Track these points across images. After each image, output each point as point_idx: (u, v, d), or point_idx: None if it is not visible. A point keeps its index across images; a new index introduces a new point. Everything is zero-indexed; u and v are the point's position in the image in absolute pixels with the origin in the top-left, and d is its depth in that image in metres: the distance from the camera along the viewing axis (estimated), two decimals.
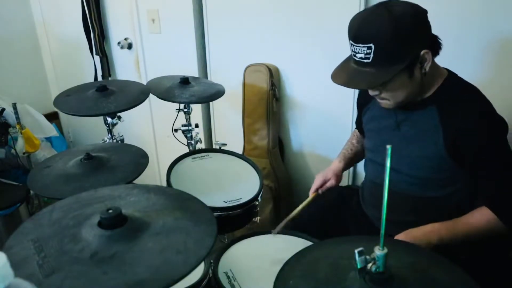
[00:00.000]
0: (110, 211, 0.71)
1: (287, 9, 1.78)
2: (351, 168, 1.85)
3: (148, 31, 2.24)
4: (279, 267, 0.75)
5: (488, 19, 1.38)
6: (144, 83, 1.77)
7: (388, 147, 0.61)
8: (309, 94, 1.89)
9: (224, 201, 1.27)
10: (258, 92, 1.91)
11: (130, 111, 1.44)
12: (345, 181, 1.87)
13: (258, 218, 1.39)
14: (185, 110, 1.75)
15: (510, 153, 1.08)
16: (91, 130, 2.87)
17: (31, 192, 2.01)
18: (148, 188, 0.87)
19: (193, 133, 1.80)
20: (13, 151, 2.26)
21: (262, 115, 1.93)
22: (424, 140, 1.13)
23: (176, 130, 1.79)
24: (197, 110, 2.17)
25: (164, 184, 1.37)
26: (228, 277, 1.08)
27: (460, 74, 1.15)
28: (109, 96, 1.45)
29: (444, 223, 1.10)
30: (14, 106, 2.12)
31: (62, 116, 3.06)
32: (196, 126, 1.80)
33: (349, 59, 1.10)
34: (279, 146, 2.04)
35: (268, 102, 1.90)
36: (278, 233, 1.26)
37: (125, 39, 2.40)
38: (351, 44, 1.05)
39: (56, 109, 1.47)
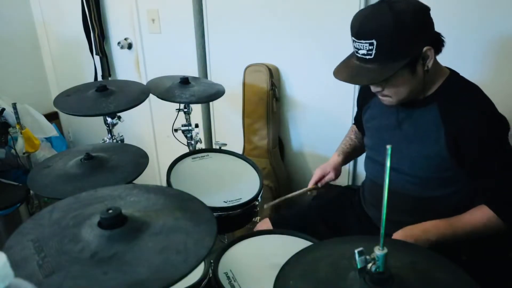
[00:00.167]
0: (110, 211, 0.71)
1: (287, 9, 1.78)
2: (351, 168, 1.85)
3: (148, 31, 2.24)
4: (279, 267, 0.75)
5: (488, 18, 1.38)
6: (144, 83, 1.77)
7: (388, 147, 0.61)
8: (309, 94, 1.89)
9: (224, 201, 1.27)
10: (258, 92, 1.91)
11: (130, 111, 1.44)
12: (345, 181, 1.87)
13: (258, 218, 1.39)
14: (185, 110, 1.75)
15: (510, 152, 1.08)
16: (91, 130, 2.87)
17: (31, 192, 2.01)
18: (148, 188, 0.87)
19: (193, 133, 1.79)
20: (13, 151, 2.26)
21: (262, 115, 1.93)
22: (425, 139, 1.12)
23: (176, 130, 1.79)
24: (197, 110, 2.17)
25: (164, 184, 1.37)
26: (228, 277, 1.08)
27: (461, 73, 1.15)
28: (109, 96, 1.45)
29: (443, 220, 1.10)
30: (14, 106, 2.12)
31: (62, 116, 3.06)
32: (196, 126, 1.80)
33: (352, 56, 1.10)
34: (279, 146, 2.04)
35: (268, 102, 1.90)
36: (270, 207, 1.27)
37: (125, 39, 2.40)
38: (354, 40, 1.05)
39: (56, 109, 1.47)
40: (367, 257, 0.66)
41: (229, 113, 2.13)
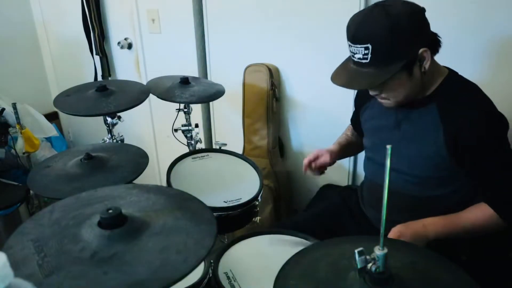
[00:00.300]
0: (110, 211, 0.71)
1: (287, 9, 1.78)
2: (351, 168, 1.85)
3: (148, 31, 2.24)
4: (279, 267, 0.75)
5: (488, 18, 1.38)
6: (144, 83, 1.77)
7: (388, 147, 0.61)
8: (309, 94, 1.89)
9: (224, 201, 1.27)
10: (258, 92, 1.91)
11: (130, 111, 1.44)
12: (345, 181, 1.87)
13: (258, 218, 1.39)
14: (185, 110, 1.75)
15: (510, 151, 1.08)
16: (91, 130, 2.87)
17: (31, 192, 2.01)
18: (148, 188, 0.87)
19: (193, 133, 1.79)
20: (13, 151, 2.26)
21: (262, 115, 1.93)
22: (424, 139, 1.13)
23: (176, 130, 1.79)
24: (197, 110, 2.17)
25: (164, 184, 1.37)
26: (228, 277, 1.08)
27: (460, 73, 1.15)
28: (109, 96, 1.45)
29: (443, 217, 1.11)
30: (14, 106, 2.12)
31: (62, 116, 3.06)
32: (196, 126, 1.80)
33: (348, 60, 1.10)
34: (279, 146, 2.04)
35: (268, 102, 1.90)
36: None
37: (125, 39, 2.40)
38: (349, 45, 1.05)
39: (56, 109, 1.47)
40: (367, 257, 0.66)
41: (229, 113, 2.13)
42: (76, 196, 0.85)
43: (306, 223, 1.37)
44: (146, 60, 2.33)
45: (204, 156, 1.52)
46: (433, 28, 1.07)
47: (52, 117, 2.86)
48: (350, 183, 1.88)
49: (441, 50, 1.10)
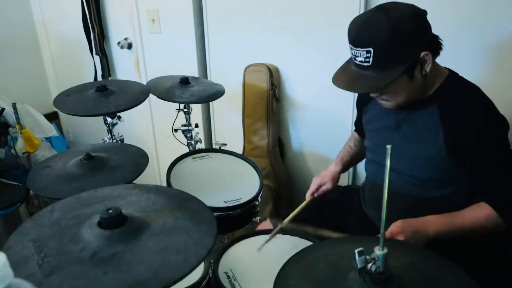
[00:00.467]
0: (110, 211, 0.71)
1: (287, 9, 1.78)
2: (351, 169, 1.85)
3: (148, 31, 2.24)
4: (279, 267, 0.75)
5: (488, 18, 1.38)
6: (144, 83, 1.77)
7: (388, 147, 0.61)
8: (309, 94, 1.89)
9: (224, 201, 1.27)
10: (258, 92, 1.91)
11: (130, 111, 1.44)
12: (345, 181, 1.87)
13: (258, 218, 1.39)
14: (185, 110, 1.75)
15: (510, 151, 1.08)
16: (91, 130, 2.87)
17: (31, 192, 2.01)
18: (148, 188, 0.87)
19: (193, 133, 1.79)
20: (13, 151, 2.26)
21: (262, 115, 1.93)
22: (424, 140, 1.13)
23: (176, 130, 1.79)
24: (197, 110, 2.17)
25: (164, 184, 1.37)
26: (228, 277, 1.08)
27: (461, 74, 1.15)
28: (109, 96, 1.45)
29: (443, 216, 1.10)
30: (14, 106, 2.12)
31: (62, 116, 3.06)
32: (196, 126, 1.80)
33: (350, 61, 1.10)
34: (279, 146, 2.04)
35: (268, 102, 1.90)
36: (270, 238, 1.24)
37: (125, 39, 2.40)
38: (351, 48, 1.05)
39: (56, 109, 1.47)
40: (367, 257, 0.66)
41: (229, 113, 2.13)
42: (76, 196, 0.85)
43: (306, 223, 1.37)
44: (146, 60, 2.33)
45: (204, 156, 1.52)
46: (433, 29, 1.07)
47: (52, 117, 2.86)
48: (350, 183, 1.88)
49: (442, 52, 1.10)
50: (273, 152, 1.99)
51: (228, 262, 1.14)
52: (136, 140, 2.24)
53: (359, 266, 0.65)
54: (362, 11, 1.49)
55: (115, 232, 0.70)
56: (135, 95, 1.50)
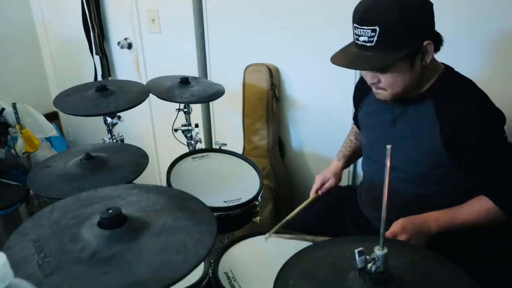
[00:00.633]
0: (110, 211, 0.71)
1: (287, 9, 1.78)
2: (351, 168, 1.85)
3: (148, 31, 2.24)
4: (279, 267, 0.75)
5: (487, 16, 1.38)
6: (144, 83, 1.77)
7: (388, 147, 0.61)
8: (309, 94, 1.89)
9: (224, 201, 1.27)
10: (258, 92, 1.91)
11: (130, 111, 1.44)
12: (345, 181, 1.87)
13: (258, 218, 1.39)
14: (185, 110, 1.75)
15: (508, 144, 1.08)
16: (91, 130, 2.87)
17: (31, 192, 2.01)
18: (148, 188, 0.87)
19: (193, 133, 1.79)
20: (13, 151, 2.26)
21: (262, 115, 1.93)
22: (420, 136, 1.12)
23: (176, 130, 1.79)
24: (197, 110, 2.17)
25: (164, 184, 1.37)
26: (228, 277, 1.08)
27: (460, 71, 1.15)
28: (109, 96, 1.45)
29: (444, 211, 1.10)
30: (14, 106, 2.12)
31: (62, 116, 3.06)
32: (196, 126, 1.80)
33: (351, 45, 1.10)
34: (279, 146, 2.04)
35: (268, 102, 1.90)
36: (275, 233, 1.25)
37: (125, 39, 2.40)
38: (355, 27, 1.04)
39: (56, 109, 1.47)
40: (367, 257, 0.66)
41: (229, 113, 2.13)
42: (76, 196, 0.85)
43: (305, 223, 1.37)
44: (146, 60, 2.33)
45: (204, 156, 1.52)
46: None
47: (52, 117, 2.86)
48: (350, 183, 1.88)
49: (441, 49, 1.10)
50: (273, 152, 1.99)
51: (228, 262, 1.14)
52: (136, 140, 2.24)
53: (359, 266, 0.65)
54: None
55: (115, 232, 0.70)
56: (135, 95, 1.50)
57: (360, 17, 1.03)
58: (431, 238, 1.08)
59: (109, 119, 1.61)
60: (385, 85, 1.10)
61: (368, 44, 1.02)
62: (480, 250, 1.20)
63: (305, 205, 1.36)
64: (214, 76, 2.10)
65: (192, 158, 1.50)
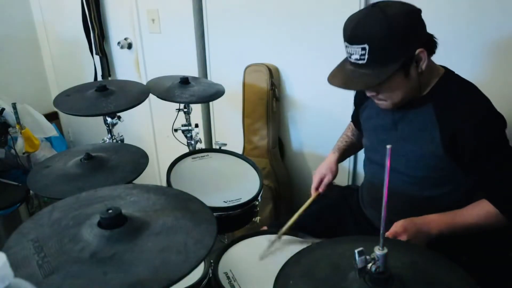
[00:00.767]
0: (110, 211, 0.71)
1: (287, 9, 1.78)
2: (351, 168, 1.85)
3: (148, 31, 2.24)
4: (279, 267, 0.75)
5: (487, 18, 1.38)
6: (144, 83, 1.77)
7: (388, 147, 0.61)
8: (309, 94, 1.89)
9: (224, 201, 1.27)
10: (258, 92, 1.91)
11: (130, 111, 1.44)
12: (345, 181, 1.87)
13: (258, 218, 1.39)
14: (185, 110, 1.75)
15: (509, 147, 1.08)
16: (91, 130, 2.87)
17: (31, 192, 2.01)
18: (148, 188, 0.87)
19: (193, 133, 1.80)
20: (13, 151, 2.26)
21: (262, 115, 1.93)
22: (421, 139, 1.13)
23: (176, 130, 1.79)
24: (197, 110, 2.17)
25: (164, 184, 1.37)
26: (228, 278, 1.08)
27: (460, 73, 1.15)
28: (109, 96, 1.46)
29: (445, 214, 1.10)
30: (14, 106, 2.12)
31: (62, 116, 3.07)
32: (196, 126, 1.80)
33: (345, 61, 1.11)
34: (279, 146, 2.04)
35: (268, 102, 1.90)
36: (283, 234, 1.25)
37: (125, 39, 2.40)
38: (346, 45, 1.06)
39: (56, 109, 1.47)
40: (367, 257, 0.66)
41: (229, 113, 2.13)
42: (76, 196, 0.85)
43: (306, 222, 1.37)
44: (146, 60, 2.33)
45: (204, 156, 1.52)
46: (431, 29, 1.07)
47: (52, 117, 2.86)
48: (350, 183, 1.88)
49: (440, 51, 1.10)
50: (273, 152, 1.99)
51: (228, 262, 1.14)
52: (136, 140, 2.24)
53: (359, 266, 0.65)
54: None
55: (115, 232, 0.70)
56: (135, 95, 1.50)
57: (349, 36, 1.04)
58: (432, 240, 1.08)
59: (109, 119, 1.61)
60: (384, 97, 1.11)
61: (361, 62, 1.03)
62: (480, 250, 1.20)
63: (308, 205, 1.35)
64: (214, 76, 2.10)
65: (192, 158, 1.50)
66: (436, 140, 1.09)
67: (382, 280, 0.65)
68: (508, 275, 1.24)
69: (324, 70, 1.14)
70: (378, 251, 0.65)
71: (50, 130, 2.47)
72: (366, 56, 1.01)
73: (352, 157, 1.83)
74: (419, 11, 1.04)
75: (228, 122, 2.15)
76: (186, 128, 1.77)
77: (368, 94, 1.14)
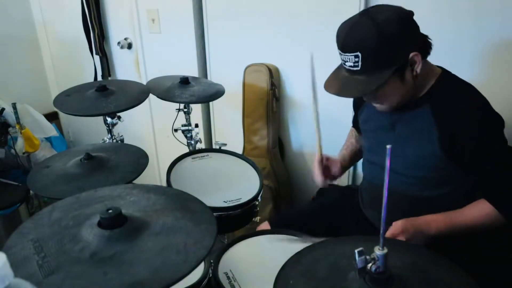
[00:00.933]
0: (110, 211, 0.71)
1: (287, 9, 1.78)
2: (351, 168, 1.85)
3: (148, 31, 2.24)
4: (279, 267, 0.75)
5: (486, 20, 1.38)
6: (144, 83, 1.77)
7: (388, 147, 0.61)
8: (309, 94, 1.87)
9: (224, 201, 1.27)
10: (258, 92, 1.91)
11: (130, 111, 1.44)
12: (345, 181, 1.87)
13: (258, 218, 1.39)
14: (185, 110, 1.75)
15: (507, 147, 1.08)
16: (91, 130, 2.87)
17: (31, 192, 2.01)
18: (148, 188, 0.87)
19: (193, 133, 1.80)
20: (13, 151, 2.26)
21: (262, 115, 1.93)
22: (418, 140, 1.13)
23: (176, 130, 1.79)
24: (197, 110, 2.17)
25: (164, 184, 1.37)
26: (228, 278, 1.08)
27: (458, 73, 1.14)
28: (109, 96, 1.45)
29: (444, 214, 1.11)
30: (14, 106, 2.13)
31: (62, 116, 3.06)
32: (196, 126, 1.80)
33: (340, 67, 1.11)
34: (279, 146, 2.04)
35: (268, 102, 1.90)
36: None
37: (125, 39, 2.40)
38: (340, 53, 1.06)
39: (56, 109, 1.47)
40: (367, 257, 0.66)
41: (229, 113, 2.13)
42: (76, 196, 0.85)
43: (306, 222, 1.37)
44: (146, 60, 2.33)
45: (204, 156, 1.52)
46: (430, 30, 1.07)
47: (52, 117, 2.86)
48: (350, 183, 1.88)
49: (440, 51, 1.10)
50: (273, 152, 1.99)
51: (228, 262, 1.14)
52: (136, 140, 2.24)
53: (359, 266, 0.65)
54: None
55: (115, 232, 0.70)
56: (135, 95, 1.50)
57: (341, 44, 1.05)
58: (431, 240, 1.08)
59: (109, 119, 1.61)
60: (380, 101, 1.12)
61: (355, 69, 1.03)
62: (480, 250, 1.20)
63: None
64: (214, 76, 2.10)
65: (192, 158, 1.50)
66: (434, 141, 1.09)
67: (382, 280, 0.65)
68: (508, 275, 1.24)
69: (324, 70, 1.14)
70: (378, 251, 0.65)
71: (50, 130, 2.47)
72: (360, 63, 1.02)
73: None
74: (410, 14, 1.03)
75: (228, 122, 2.15)
76: (186, 128, 1.77)
77: (365, 99, 1.14)
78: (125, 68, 2.50)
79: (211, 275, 1.09)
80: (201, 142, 1.85)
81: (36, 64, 2.92)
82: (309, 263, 0.76)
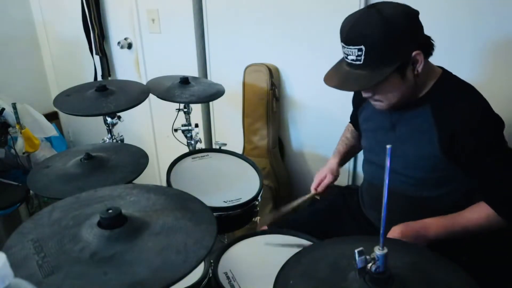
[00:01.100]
0: (110, 211, 0.71)
1: (287, 9, 1.78)
2: (351, 168, 1.85)
3: (148, 31, 2.24)
4: (279, 267, 0.75)
5: (485, 20, 1.38)
6: (144, 83, 1.77)
7: (388, 147, 0.61)
8: (309, 94, 1.89)
9: (224, 201, 1.27)
10: (258, 92, 1.91)
11: (130, 111, 1.44)
12: (345, 181, 1.87)
13: (258, 218, 1.39)
14: (185, 110, 1.75)
15: (507, 148, 1.08)
16: (91, 130, 2.87)
17: (31, 192, 2.01)
18: (148, 188, 0.87)
19: (193, 133, 1.80)
20: (13, 151, 2.26)
21: (262, 115, 1.93)
22: (418, 140, 1.13)
23: (176, 130, 1.79)
24: (197, 110, 2.17)
25: (164, 184, 1.37)
26: (228, 277, 1.08)
27: (458, 74, 1.14)
28: (109, 96, 1.45)
29: (443, 218, 1.10)
30: (14, 106, 2.12)
31: (62, 116, 3.06)
32: (196, 126, 1.80)
33: (342, 61, 1.10)
34: (279, 146, 2.04)
35: (268, 102, 1.90)
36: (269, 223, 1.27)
37: (125, 39, 2.40)
38: (343, 46, 1.05)
39: (56, 109, 1.47)
40: (367, 257, 0.66)
41: (229, 113, 2.13)
42: (76, 196, 0.85)
43: (305, 222, 1.37)
44: (146, 60, 2.33)
45: (204, 156, 1.52)
46: (430, 30, 1.07)
47: (52, 117, 2.86)
48: (350, 183, 1.88)
49: (439, 53, 1.10)
50: (273, 152, 1.99)
51: (228, 262, 1.14)
52: (136, 140, 2.24)
53: (359, 266, 0.65)
54: None
55: (115, 232, 0.70)
56: (135, 95, 1.50)
57: (345, 37, 1.04)
58: (428, 243, 1.08)
59: (109, 119, 1.61)
60: (380, 98, 1.11)
61: (357, 63, 1.03)
62: (480, 251, 1.20)
63: (302, 201, 1.36)
64: (214, 76, 2.10)
65: (192, 158, 1.50)
66: (434, 141, 1.09)
67: (382, 280, 0.65)
68: (508, 275, 1.24)
69: (324, 70, 1.14)
70: (378, 251, 0.65)
71: (50, 130, 2.47)
72: (363, 57, 1.01)
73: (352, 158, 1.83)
74: (416, 13, 1.03)
75: (228, 122, 2.15)
76: (186, 128, 1.77)
77: (364, 94, 1.13)
78: (125, 68, 2.50)
79: (211, 275, 1.09)
80: (201, 142, 1.85)
81: (36, 64, 2.92)
82: (309, 263, 0.75)
